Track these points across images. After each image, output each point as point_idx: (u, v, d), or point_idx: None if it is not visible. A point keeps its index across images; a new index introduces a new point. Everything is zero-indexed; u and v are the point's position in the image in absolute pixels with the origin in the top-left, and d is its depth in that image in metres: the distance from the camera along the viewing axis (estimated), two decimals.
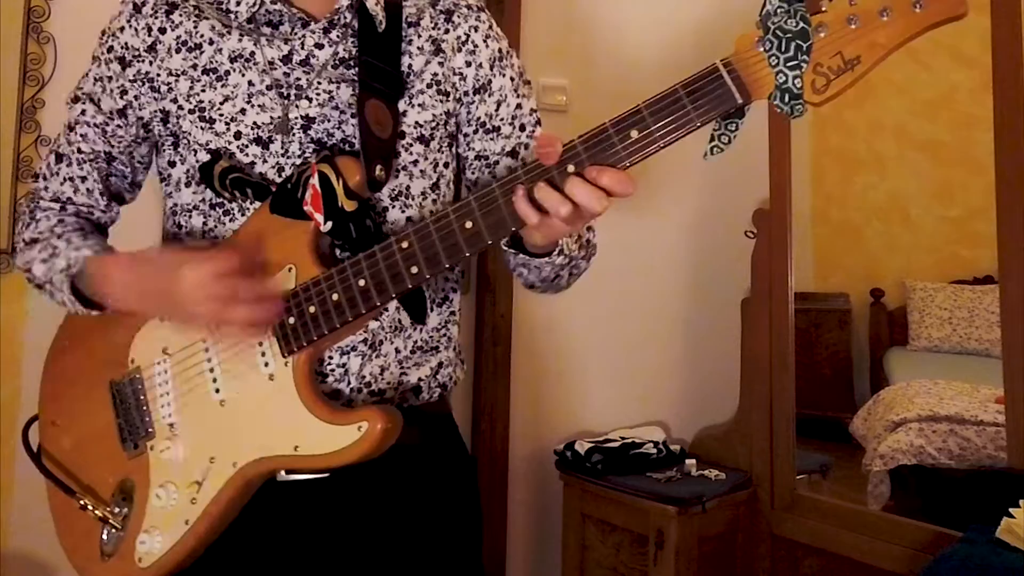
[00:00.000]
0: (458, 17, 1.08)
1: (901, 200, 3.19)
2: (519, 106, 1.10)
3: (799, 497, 2.30)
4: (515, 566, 2.49)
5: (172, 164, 1.05)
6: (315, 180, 0.93)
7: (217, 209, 1.02)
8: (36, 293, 1.08)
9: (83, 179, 1.09)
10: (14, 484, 1.87)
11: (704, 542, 2.20)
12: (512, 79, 1.10)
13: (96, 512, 1.01)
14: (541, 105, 2.46)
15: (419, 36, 1.06)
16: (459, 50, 1.07)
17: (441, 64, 1.06)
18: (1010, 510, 1.64)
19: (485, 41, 1.09)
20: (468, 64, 1.07)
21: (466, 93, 1.08)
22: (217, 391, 0.98)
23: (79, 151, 1.08)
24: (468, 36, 1.08)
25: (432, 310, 1.08)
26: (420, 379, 1.06)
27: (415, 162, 1.04)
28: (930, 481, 2.49)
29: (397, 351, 1.04)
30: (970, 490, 2.39)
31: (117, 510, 1.01)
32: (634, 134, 0.84)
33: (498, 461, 2.44)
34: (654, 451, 2.37)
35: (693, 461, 2.38)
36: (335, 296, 0.92)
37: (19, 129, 1.89)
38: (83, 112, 1.08)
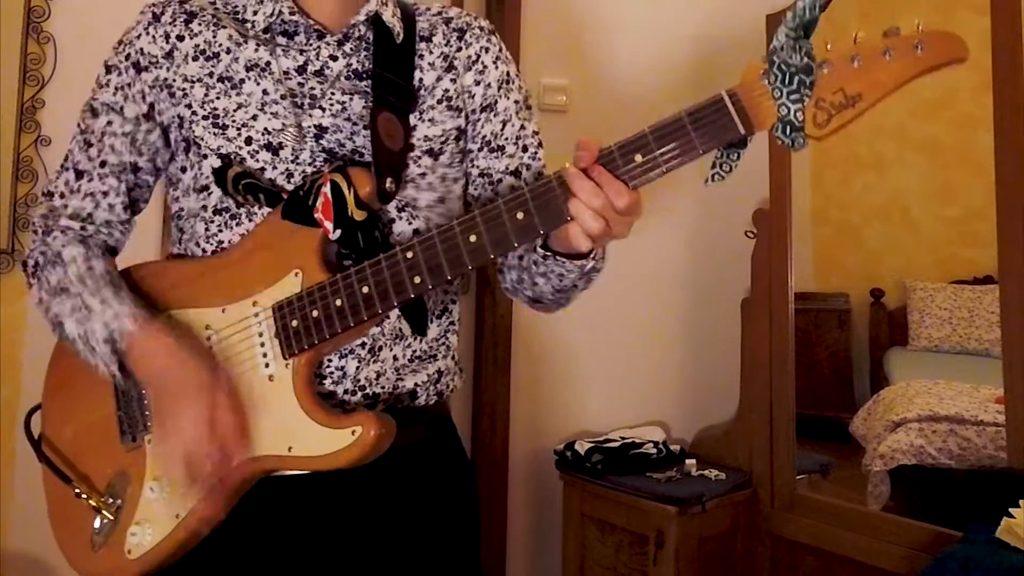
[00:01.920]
0: (470, 36, 1.11)
1: (901, 200, 3.18)
2: (523, 127, 1.13)
3: (799, 497, 2.30)
4: (515, 566, 2.49)
5: (183, 169, 1.06)
6: (327, 189, 0.95)
7: (224, 214, 1.03)
8: (32, 292, 1.08)
9: (105, 194, 1.07)
10: (14, 484, 1.87)
11: (704, 542, 2.21)
12: (517, 102, 1.13)
13: (90, 501, 1.03)
14: (541, 105, 2.49)
15: (431, 52, 1.08)
16: (469, 69, 1.09)
17: (453, 81, 1.08)
18: (1010, 510, 1.64)
19: (495, 63, 1.11)
20: (477, 83, 1.10)
21: (473, 111, 1.10)
22: None
23: (103, 164, 1.06)
24: (479, 56, 1.10)
25: (432, 321, 1.09)
26: (417, 384, 1.07)
27: (423, 175, 1.05)
28: (930, 481, 2.49)
29: (395, 358, 1.05)
30: (970, 490, 2.39)
31: (111, 501, 1.02)
32: (638, 158, 0.87)
33: (498, 461, 2.44)
34: (654, 451, 2.37)
35: (693, 461, 2.38)
36: (338, 301, 0.94)
37: (19, 129, 1.89)
38: (109, 123, 1.06)
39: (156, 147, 1.08)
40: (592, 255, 0.99)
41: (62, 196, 1.08)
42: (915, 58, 0.81)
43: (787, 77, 0.82)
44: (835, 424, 2.87)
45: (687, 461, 2.38)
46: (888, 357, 3.13)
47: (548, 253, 0.99)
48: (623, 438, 2.41)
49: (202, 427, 0.92)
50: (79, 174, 1.07)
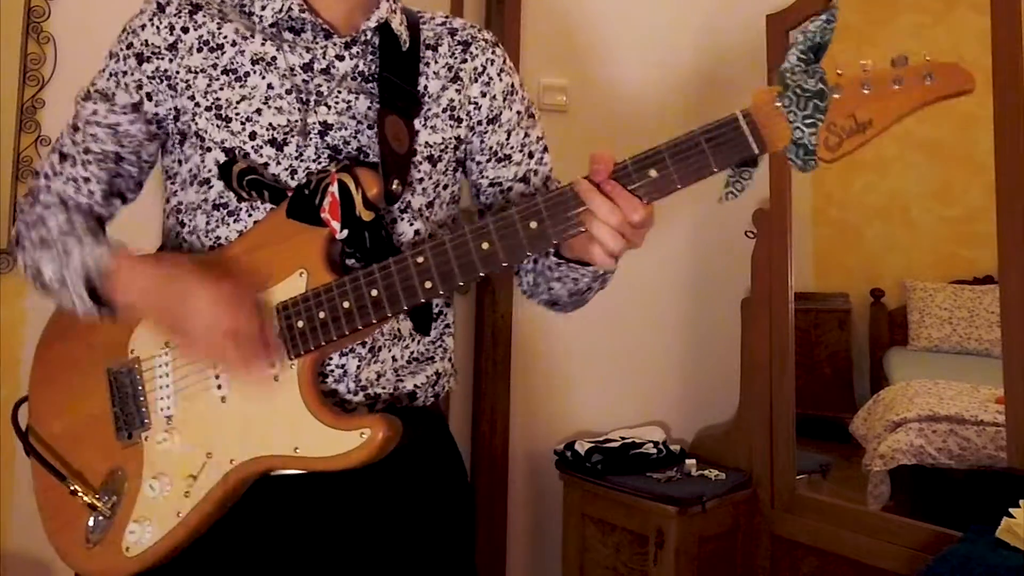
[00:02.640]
0: (476, 49, 1.12)
1: (901, 200, 3.18)
2: (527, 134, 1.15)
3: (799, 497, 2.30)
4: (515, 566, 2.49)
5: (179, 162, 1.06)
6: (334, 188, 0.95)
7: (221, 210, 1.03)
8: (36, 293, 1.08)
9: (86, 180, 1.08)
10: (14, 484, 1.87)
11: (704, 542, 2.20)
12: (519, 112, 1.15)
13: (85, 499, 1.02)
14: (541, 105, 2.49)
15: (436, 61, 1.10)
16: (475, 80, 1.11)
17: (458, 91, 1.10)
18: (1010, 510, 1.64)
19: (500, 75, 1.13)
20: (484, 95, 1.11)
21: (479, 122, 1.11)
22: (219, 387, 0.99)
23: (86, 151, 1.07)
24: (484, 68, 1.12)
25: (433, 324, 1.10)
26: (416, 386, 1.09)
27: (420, 180, 1.06)
28: (930, 481, 2.49)
29: (394, 359, 1.06)
30: (970, 490, 2.39)
31: (106, 498, 1.02)
32: (653, 173, 0.88)
33: (498, 461, 2.44)
34: (654, 451, 2.37)
35: (693, 461, 2.38)
36: (346, 304, 0.94)
37: (19, 129, 1.89)
38: (94, 112, 1.07)
39: (138, 140, 1.08)
40: None
41: (47, 177, 1.09)
42: (924, 88, 0.84)
43: (802, 101, 0.85)
44: (835, 424, 2.87)
45: (687, 461, 2.38)
46: (888, 357, 3.13)
47: (561, 261, 1.01)
48: (623, 438, 2.41)
49: (218, 299, 0.93)
50: (63, 157, 1.09)
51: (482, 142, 1.12)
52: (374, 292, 0.94)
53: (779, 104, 0.86)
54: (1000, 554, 1.57)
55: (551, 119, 2.47)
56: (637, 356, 2.64)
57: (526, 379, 2.50)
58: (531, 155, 1.15)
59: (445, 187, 1.10)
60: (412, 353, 1.08)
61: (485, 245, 0.91)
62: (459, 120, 1.10)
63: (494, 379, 2.44)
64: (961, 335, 2.99)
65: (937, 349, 3.03)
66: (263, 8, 1.05)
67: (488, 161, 1.13)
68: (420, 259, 0.93)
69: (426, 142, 1.06)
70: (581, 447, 2.35)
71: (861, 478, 2.57)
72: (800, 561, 2.26)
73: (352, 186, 0.95)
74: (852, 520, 2.18)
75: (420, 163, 1.06)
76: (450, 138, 1.09)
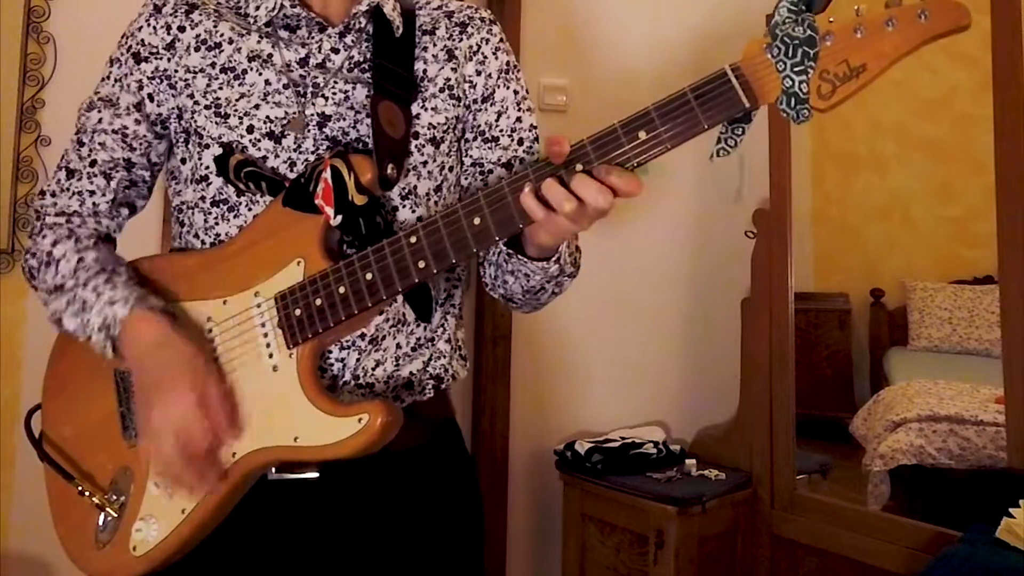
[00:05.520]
0: (472, 28, 1.11)
1: (901, 200, 3.19)
2: (519, 119, 1.13)
3: (799, 497, 2.30)
4: (515, 566, 2.49)
5: (183, 161, 1.06)
6: (327, 174, 0.95)
7: (221, 206, 1.02)
8: (36, 294, 1.07)
9: (92, 192, 1.07)
10: (14, 484, 1.87)
11: (704, 542, 2.20)
12: (516, 92, 1.13)
13: (93, 499, 1.02)
14: (541, 105, 2.49)
15: (434, 45, 1.09)
16: (470, 59, 1.10)
17: (454, 70, 1.09)
18: (1010, 510, 1.64)
19: (495, 53, 1.12)
20: (478, 73, 1.10)
21: (474, 100, 1.10)
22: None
23: (92, 163, 1.06)
24: (479, 46, 1.11)
25: (435, 309, 1.08)
26: (412, 373, 1.06)
27: (424, 163, 1.05)
28: (930, 481, 2.49)
29: (398, 346, 1.04)
30: (970, 490, 2.39)
31: (114, 497, 1.01)
32: (642, 135, 0.86)
33: (498, 461, 2.44)
34: (654, 451, 2.37)
35: (693, 461, 2.38)
36: (342, 289, 0.93)
37: (19, 129, 1.89)
38: (100, 120, 1.06)
39: (148, 141, 1.07)
40: (558, 259, 0.99)
41: (53, 195, 1.08)
42: (919, 27, 0.81)
43: (790, 49, 0.83)
44: (835, 424, 2.88)
45: (687, 461, 2.38)
46: (888, 357, 3.13)
47: (512, 253, 0.99)
48: (623, 438, 2.41)
49: (191, 405, 0.91)
50: (70, 173, 1.08)
51: (474, 119, 1.10)
52: (368, 276, 0.93)
53: (768, 55, 0.84)
54: (1000, 554, 1.57)
55: (551, 119, 2.47)
56: (637, 356, 2.64)
57: (526, 378, 2.50)
58: (520, 142, 1.12)
59: (451, 169, 1.09)
60: (418, 339, 1.06)
61: (476, 220, 0.89)
62: (458, 99, 1.09)
63: (494, 378, 2.44)
64: (961, 335, 3.00)
65: (937, 349, 3.04)
66: (257, 8, 1.05)
67: (475, 139, 1.11)
68: (413, 239, 0.91)
69: (429, 123, 1.05)
70: (581, 447, 2.36)
71: (861, 478, 2.57)
72: (800, 561, 2.26)
73: (345, 171, 0.94)
74: (852, 520, 2.18)
75: (423, 146, 1.05)
76: (451, 118, 1.08)
